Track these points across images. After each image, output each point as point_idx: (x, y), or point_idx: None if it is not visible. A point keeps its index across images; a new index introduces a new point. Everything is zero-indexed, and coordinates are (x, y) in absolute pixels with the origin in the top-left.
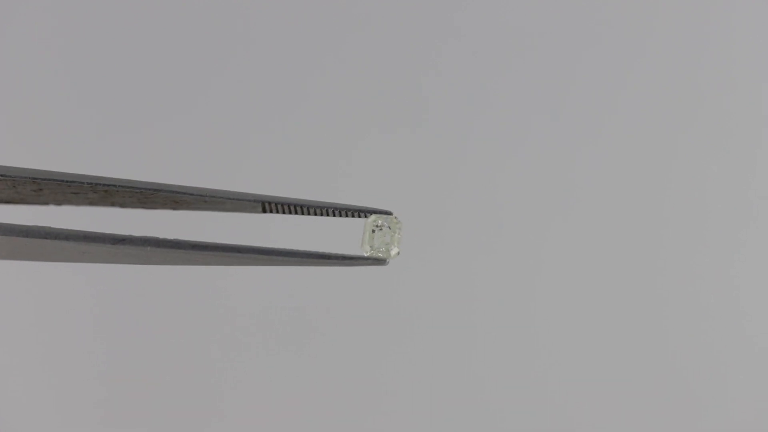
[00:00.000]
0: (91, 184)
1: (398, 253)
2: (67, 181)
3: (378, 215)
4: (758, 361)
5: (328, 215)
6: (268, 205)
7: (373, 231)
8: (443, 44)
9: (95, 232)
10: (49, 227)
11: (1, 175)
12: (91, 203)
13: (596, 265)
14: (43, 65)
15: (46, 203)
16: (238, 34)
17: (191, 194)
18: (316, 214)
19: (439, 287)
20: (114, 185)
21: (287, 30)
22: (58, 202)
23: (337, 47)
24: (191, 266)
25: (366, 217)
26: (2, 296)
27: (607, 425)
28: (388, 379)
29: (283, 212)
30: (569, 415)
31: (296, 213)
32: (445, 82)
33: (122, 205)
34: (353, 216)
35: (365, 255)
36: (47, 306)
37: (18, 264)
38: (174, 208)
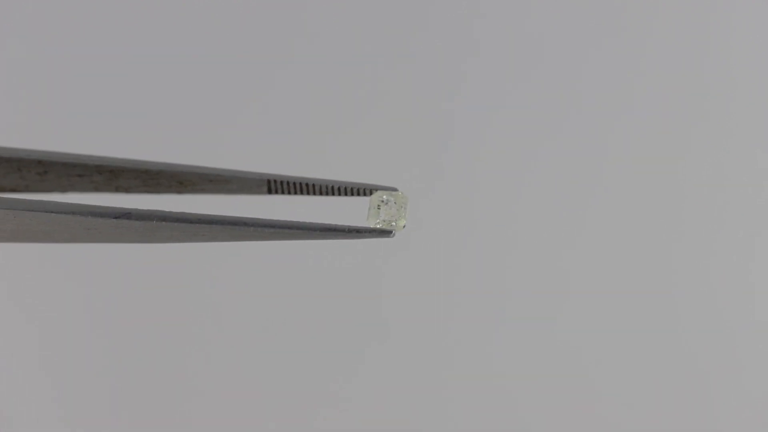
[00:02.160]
0: (96, 165)
1: (404, 226)
2: (71, 163)
3: (383, 191)
4: None
5: (333, 194)
6: (274, 184)
7: (378, 207)
8: (456, 47)
9: (100, 206)
10: (54, 201)
11: (7, 158)
12: (96, 188)
13: (611, 263)
14: (44, 51)
15: (50, 190)
16: (248, 24)
17: (196, 173)
18: (321, 193)
19: (456, 279)
20: (119, 166)
21: (290, 24)
22: (63, 189)
23: (344, 35)
24: (190, 256)
25: (371, 194)
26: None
27: (623, 417)
28: (395, 370)
29: (289, 192)
30: (583, 406)
31: (301, 192)
32: (459, 74)
33: (127, 190)
34: (358, 194)
35: (371, 226)
36: (44, 302)
37: (16, 259)
38: (179, 191)
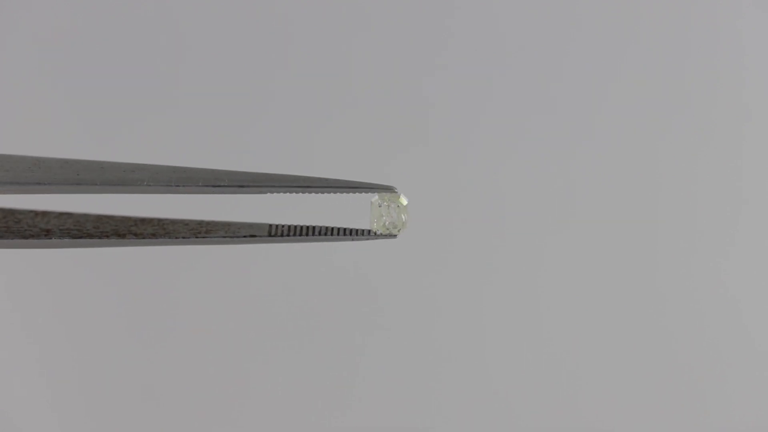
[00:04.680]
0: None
1: (405, 224)
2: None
3: (382, 194)
4: (757, 357)
5: (331, 190)
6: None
7: (380, 206)
8: (444, 47)
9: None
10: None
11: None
12: None
13: (595, 263)
14: (38, 60)
15: None
16: (247, 38)
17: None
18: (319, 190)
19: (444, 282)
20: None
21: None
22: None
23: (345, 48)
24: (194, 256)
25: (369, 192)
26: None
27: (611, 416)
28: (393, 369)
29: (288, 191)
30: (573, 404)
31: (300, 191)
32: (449, 82)
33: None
34: (356, 191)
35: (377, 231)
36: (50, 304)
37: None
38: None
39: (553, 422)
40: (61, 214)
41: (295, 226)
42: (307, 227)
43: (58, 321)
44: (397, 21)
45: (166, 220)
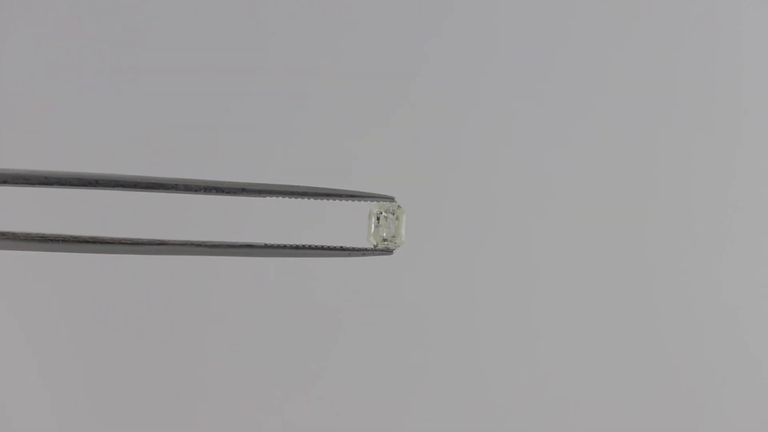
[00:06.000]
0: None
1: (403, 239)
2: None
3: (381, 203)
4: (754, 361)
5: (330, 198)
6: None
7: (378, 218)
8: (436, 43)
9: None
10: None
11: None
12: None
13: (592, 267)
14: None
15: None
16: (243, 36)
17: (200, 185)
18: (318, 197)
19: (438, 285)
20: (120, 183)
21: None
22: None
23: (338, 45)
24: (194, 261)
25: (368, 200)
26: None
27: (609, 420)
28: (388, 372)
29: (287, 197)
30: (566, 405)
31: (300, 197)
32: (442, 79)
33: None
34: (355, 200)
35: (373, 247)
36: (44, 303)
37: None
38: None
39: (551, 428)
40: (57, 236)
41: (292, 244)
42: (303, 245)
43: (58, 321)
44: (387, 19)
45: (165, 240)
